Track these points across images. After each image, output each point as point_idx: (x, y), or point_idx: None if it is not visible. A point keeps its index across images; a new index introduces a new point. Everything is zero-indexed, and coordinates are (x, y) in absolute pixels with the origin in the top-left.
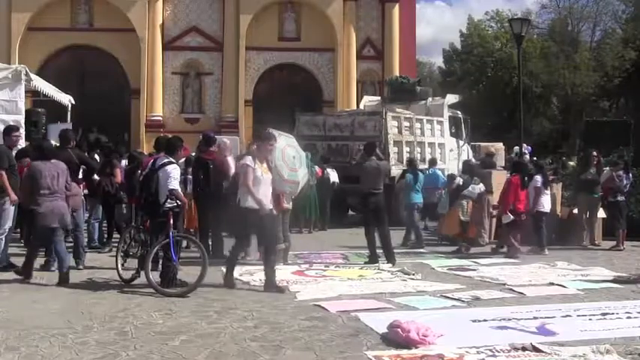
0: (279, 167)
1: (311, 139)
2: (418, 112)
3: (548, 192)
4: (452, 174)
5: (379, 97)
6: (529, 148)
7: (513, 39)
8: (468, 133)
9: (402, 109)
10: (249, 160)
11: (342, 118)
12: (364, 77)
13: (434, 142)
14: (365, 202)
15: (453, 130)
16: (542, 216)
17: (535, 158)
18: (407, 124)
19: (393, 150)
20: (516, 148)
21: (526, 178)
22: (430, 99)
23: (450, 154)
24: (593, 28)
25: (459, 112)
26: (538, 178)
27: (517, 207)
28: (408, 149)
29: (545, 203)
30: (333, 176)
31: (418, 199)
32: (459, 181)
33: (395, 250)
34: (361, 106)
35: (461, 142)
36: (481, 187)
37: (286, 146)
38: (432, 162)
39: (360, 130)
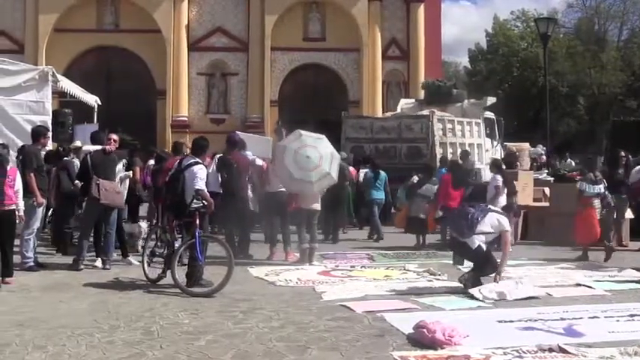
0: (289, 167)
1: (358, 141)
2: (454, 114)
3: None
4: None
5: (414, 100)
6: (545, 148)
7: (539, 38)
8: (501, 134)
9: (442, 112)
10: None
11: (389, 121)
12: (389, 77)
13: (472, 142)
14: None
15: (488, 131)
16: None
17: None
18: (450, 126)
19: (438, 151)
20: (538, 147)
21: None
22: (466, 101)
23: (486, 154)
24: (620, 27)
25: (492, 114)
26: (498, 177)
27: (448, 204)
28: (451, 150)
29: (503, 201)
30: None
31: (377, 195)
32: (415, 179)
33: (404, 251)
34: (398, 109)
35: (495, 143)
36: (435, 188)
37: (302, 147)
38: (443, 161)
39: (407, 133)
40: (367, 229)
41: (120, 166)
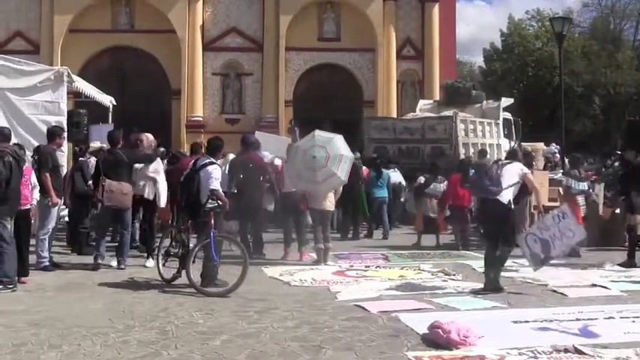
0: (297, 167)
1: (382, 142)
2: (473, 114)
3: None
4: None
5: (432, 101)
6: (558, 147)
7: (554, 38)
8: (518, 135)
9: (463, 113)
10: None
11: (412, 122)
12: (404, 77)
13: (493, 143)
14: None
15: (506, 132)
16: None
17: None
18: (471, 126)
19: (462, 151)
20: (551, 146)
21: None
22: (485, 102)
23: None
24: (636, 27)
25: (509, 114)
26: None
27: (456, 203)
28: (472, 151)
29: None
30: (395, 177)
31: (380, 193)
32: (421, 179)
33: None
34: (417, 110)
35: (512, 143)
36: (443, 185)
37: (311, 147)
38: (466, 162)
39: (430, 133)
40: (382, 228)
41: (155, 165)
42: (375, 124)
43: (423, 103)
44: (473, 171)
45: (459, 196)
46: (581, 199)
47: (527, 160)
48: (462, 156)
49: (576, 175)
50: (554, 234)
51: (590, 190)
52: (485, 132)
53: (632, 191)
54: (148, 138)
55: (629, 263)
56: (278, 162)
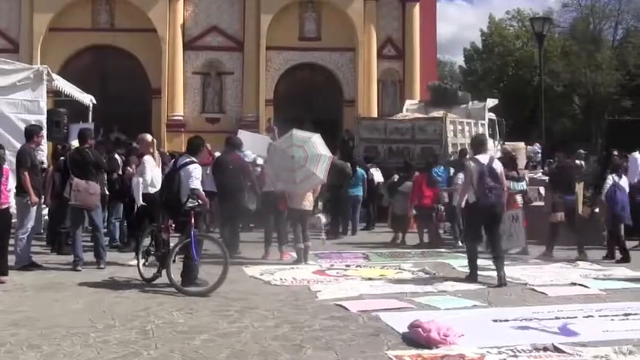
0: (275, 167)
1: (372, 142)
2: (459, 115)
3: None
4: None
5: (418, 101)
6: (539, 146)
7: (535, 38)
8: (502, 134)
9: (451, 114)
10: None
11: (403, 123)
12: (385, 77)
13: None
14: None
15: (490, 132)
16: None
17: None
18: (459, 127)
19: (451, 152)
20: (535, 146)
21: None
22: (470, 103)
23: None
24: (615, 27)
25: (493, 115)
26: (460, 175)
27: (422, 202)
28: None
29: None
30: (377, 177)
31: (353, 192)
32: (395, 177)
33: (399, 250)
34: (404, 110)
35: (496, 143)
36: None
37: (289, 147)
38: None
39: (420, 134)
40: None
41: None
42: (366, 124)
43: (409, 104)
44: (452, 170)
45: (424, 195)
46: (519, 198)
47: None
48: (452, 156)
49: (514, 175)
50: (503, 230)
51: (527, 189)
52: (472, 132)
53: (557, 190)
54: (144, 139)
55: (547, 253)
56: (260, 161)
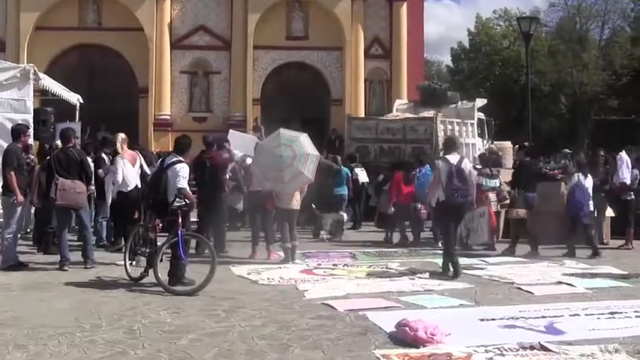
0: (263, 166)
1: (363, 142)
2: (449, 115)
3: None
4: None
5: (407, 101)
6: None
7: (521, 37)
8: (491, 134)
9: (441, 114)
10: None
11: (394, 123)
12: (372, 76)
13: (468, 142)
14: None
15: (479, 132)
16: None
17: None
18: (450, 127)
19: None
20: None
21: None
22: (460, 103)
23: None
24: (602, 27)
25: (482, 115)
26: None
27: (399, 200)
28: None
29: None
30: (362, 176)
31: (338, 191)
32: (381, 177)
33: (386, 249)
34: (394, 110)
35: (485, 142)
36: None
37: (277, 146)
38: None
39: (411, 134)
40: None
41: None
42: (358, 124)
43: (399, 103)
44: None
45: (402, 193)
46: (492, 196)
47: (495, 159)
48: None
49: (487, 172)
50: (471, 227)
51: (502, 187)
52: (461, 132)
53: (516, 187)
54: (117, 137)
55: (510, 250)
56: (249, 161)
